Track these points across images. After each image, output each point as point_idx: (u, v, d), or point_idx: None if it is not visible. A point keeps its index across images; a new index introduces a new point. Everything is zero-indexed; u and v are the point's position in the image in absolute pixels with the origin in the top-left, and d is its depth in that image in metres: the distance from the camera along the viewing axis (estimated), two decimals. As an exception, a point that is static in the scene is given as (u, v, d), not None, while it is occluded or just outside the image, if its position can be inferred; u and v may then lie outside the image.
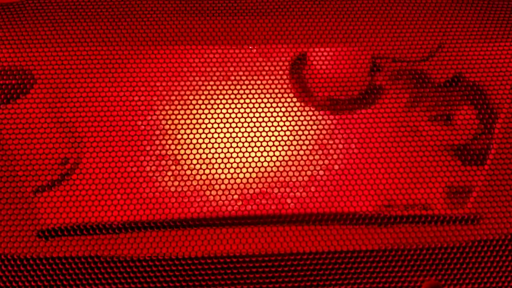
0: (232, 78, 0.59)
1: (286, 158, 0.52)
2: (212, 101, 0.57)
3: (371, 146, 0.53)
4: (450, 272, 0.47)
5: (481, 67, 0.58)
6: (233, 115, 0.55)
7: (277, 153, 0.52)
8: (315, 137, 0.54)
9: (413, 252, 0.46)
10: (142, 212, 0.47)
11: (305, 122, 0.55)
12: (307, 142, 0.53)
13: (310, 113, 0.56)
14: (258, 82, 0.59)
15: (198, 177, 0.50)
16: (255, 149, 0.52)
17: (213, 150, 0.52)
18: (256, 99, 0.57)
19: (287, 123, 0.55)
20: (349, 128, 0.55)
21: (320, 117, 0.56)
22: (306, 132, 0.54)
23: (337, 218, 0.46)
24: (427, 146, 0.53)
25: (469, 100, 0.56)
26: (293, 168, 0.51)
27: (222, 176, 0.50)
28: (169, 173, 0.50)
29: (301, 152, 0.52)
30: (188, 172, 0.50)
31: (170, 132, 0.53)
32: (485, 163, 0.52)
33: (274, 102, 0.57)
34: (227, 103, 0.57)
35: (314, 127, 0.55)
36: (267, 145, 0.53)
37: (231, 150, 0.52)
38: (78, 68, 0.56)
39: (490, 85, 0.57)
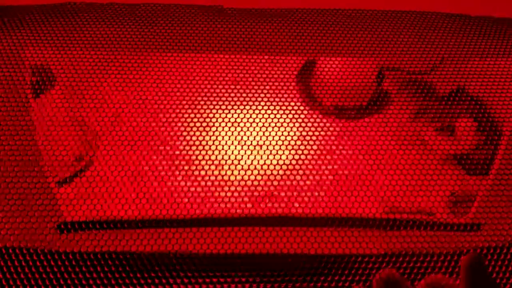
0: (242, 84, 0.61)
1: (294, 162, 0.53)
2: (223, 106, 0.58)
3: (377, 153, 0.55)
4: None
5: (483, 81, 0.60)
6: (243, 120, 0.57)
7: (285, 158, 0.54)
8: (323, 142, 0.56)
9: (416, 257, 0.47)
10: (151, 209, 0.48)
11: (312, 128, 0.57)
12: (314, 148, 0.55)
13: (318, 119, 0.58)
14: (268, 88, 0.60)
15: (207, 177, 0.51)
16: (266, 152, 0.54)
17: (223, 152, 0.53)
18: (265, 104, 0.59)
19: (295, 129, 0.57)
20: (355, 135, 0.56)
21: (327, 124, 0.57)
22: (313, 138, 0.56)
23: (343, 221, 0.47)
24: (431, 155, 0.55)
25: (471, 112, 0.58)
26: (301, 172, 0.52)
27: (232, 177, 0.51)
28: (181, 173, 0.51)
29: (309, 157, 0.54)
30: (197, 172, 0.51)
31: (182, 133, 0.54)
32: (487, 172, 0.53)
33: (282, 108, 0.59)
34: (238, 108, 0.58)
35: (322, 133, 0.56)
36: (276, 149, 0.54)
37: (241, 152, 0.53)
38: (95, 70, 0.57)
39: (491, 97, 0.59)
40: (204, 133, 0.55)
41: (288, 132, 0.56)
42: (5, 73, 0.32)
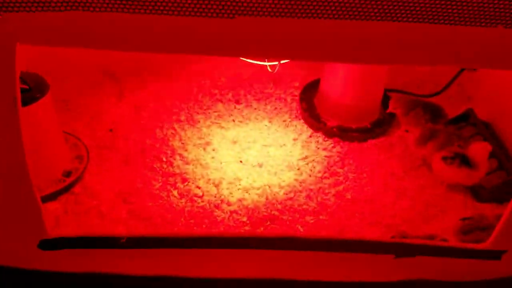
0: (243, 101, 0.59)
1: (297, 183, 0.50)
2: (222, 123, 0.56)
3: (383, 176, 0.52)
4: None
5: (493, 103, 0.58)
6: (243, 138, 0.54)
7: (287, 178, 0.51)
8: (326, 164, 0.53)
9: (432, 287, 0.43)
10: (143, 228, 0.44)
11: (316, 149, 0.54)
12: (318, 168, 0.52)
13: (321, 140, 0.55)
14: (269, 107, 0.59)
15: (205, 197, 0.48)
16: (266, 172, 0.51)
17: (222, 171, 0.50)
18: (267, 123, 0.57)
19: (299, 149, 0.54)
20: (360, 157, 0.54)
21: (331, 145, 0.55)
22: (317, 159, 0.53)
23: (348, 245, 0.43)
24: (439, 180, 0.52)
25: (481, 136, 0.55)
26: (304, 194, 0.49)
27: (230, 197, 0.48)
28: (176, 192, 0.48)
29: (312, 179, 0.51)
30: (194, 191, 0.48)
31: (178, 150, 0.52)
32: (500, 200, 0.50)
33: (285, 126, 0.57)
34: (238, 126, 0.56)
35: (325, 154, 0.54)
36: (277, 170, 0.52)
37: (241, 172, 0.51)
38: (87, 83, 0.56)
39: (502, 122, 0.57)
40: (202, 150, 0.52)
41: (292, 152, 0.54)
42: None
